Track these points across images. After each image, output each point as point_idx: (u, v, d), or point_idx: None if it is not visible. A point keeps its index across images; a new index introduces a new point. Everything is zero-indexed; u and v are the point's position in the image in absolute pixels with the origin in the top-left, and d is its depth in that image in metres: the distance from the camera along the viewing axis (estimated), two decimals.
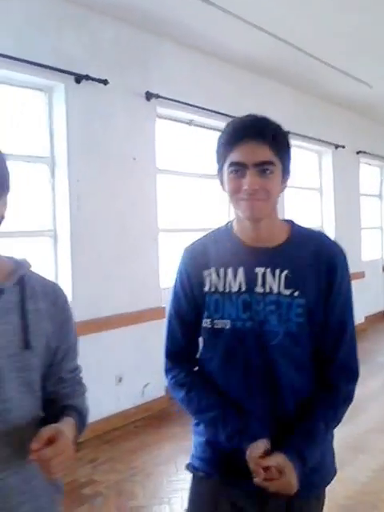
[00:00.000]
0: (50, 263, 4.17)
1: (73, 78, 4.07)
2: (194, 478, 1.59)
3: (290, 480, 1.35)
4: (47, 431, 1.14)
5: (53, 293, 1.33)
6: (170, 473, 3.61)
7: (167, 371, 1.59)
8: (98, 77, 4.19)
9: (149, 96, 4.66)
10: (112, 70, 4.36)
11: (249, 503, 1.51)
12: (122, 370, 4.40)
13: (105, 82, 4.22)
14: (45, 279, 1.36)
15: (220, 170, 1.49)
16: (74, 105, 4.12)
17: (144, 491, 3.40)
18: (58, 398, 1.33)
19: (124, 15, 4.34)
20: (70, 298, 4.15)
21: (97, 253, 4.27)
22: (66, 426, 1.22)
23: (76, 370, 1.40)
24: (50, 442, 1.12)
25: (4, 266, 1.27)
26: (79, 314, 3.84)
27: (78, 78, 4.08)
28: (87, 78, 4.12)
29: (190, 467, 1.60)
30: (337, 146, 7.51)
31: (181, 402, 1.55)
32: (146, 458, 3.85)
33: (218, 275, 1.49)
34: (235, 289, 1.46)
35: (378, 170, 9.31)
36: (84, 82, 4.12)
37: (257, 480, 1.33)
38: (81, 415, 1.32)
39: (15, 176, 1.27)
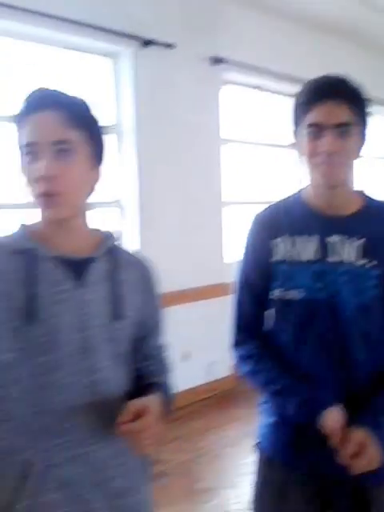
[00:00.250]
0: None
1: (139, 42, 3.90)
2: (261, 459, 1.54)
3: (374, 453, 1.30)
4: (135, 405, 1.11)
5: (142, 265, 1.31)
6: (238, 456, 3.51)
7: (234, 344, 1.54)
8: (164, 41, 4.00)
9: (216, 60, 4.43)
10: (178, 34, 4.15)
11: (319, 487, 1.45)
12: (188, 348, 4.28)
13: (171, 46, 4.03)
14: (132, 252, 1.33)
15: (296, 132, 1.44)
16: (140, 71, 3.96)
17: (210, 473, 3.33)
18: (143, 375, 1.28)
19: None
20: None
21: (163, 226, 4.15)
22: (154, 402, 1.17)
23: (162, 347, 1.37)
24: (138, 416, 1.09)
25: (93, 237, 1.25)
26: None
27: (145, 43, 3.91)
28: (153, 42, 3.94)
29: (257, 448, 1.56)
30: None
31: (248, 375, 1.50)
32: (212, 438, 3.77)
33: (289, 244, 1.44)
34: (307, 258, 1.41)
35: None
36: (150, 47, 3.94)
37: (341, 459, 1.29)
38: (168, 394, 1.28)
39: None
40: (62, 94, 1.18)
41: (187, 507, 2.94)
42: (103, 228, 1.31)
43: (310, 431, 1.35)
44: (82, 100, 1.20)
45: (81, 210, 1.21)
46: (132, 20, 3.87)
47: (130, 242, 4.04)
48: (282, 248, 1.44)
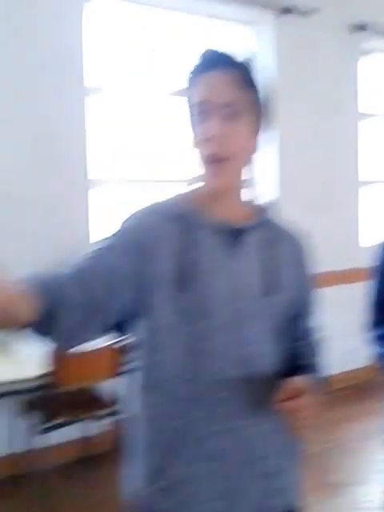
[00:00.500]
0: None
1: (279, 9, 3.77)
2: None
3: None
4: (293, 383, 1.08)
5: (296, 240, 1.26)
6: (371, 451, 3.29)
7: (370, 325, 1.49)
8: (304, 7, 3.82)
9: (356, 28, 4.15)
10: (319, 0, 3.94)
11: None
12: (323, 334, 4.09)
13: (311, 12, 3.84)
14: (288, 226, 1.27)
15: None
16: (279, 39, 3.84)
17: (341, 468, 3.15)
18: (293, 356, 1.23)
19: None
20: None
21: (296, 204, 3.95)
22: (308, 383, 1.12)
23: (314, 328, 1.31)
24: (295, 395, 1.06)
25: (246, 208, 1.21)
26: None
27: (284, 9, 3.77)
28: (292, 9, 3.78)
29: None
30: None
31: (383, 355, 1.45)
32: (346, 431, 3.59)
33: None
34: None
35: None
36: (290, 14, 3.79)
37: None
38: (319, 378, 1.22)
39: None
40: (234, 54, 1.15)
41: (316, 501, 2.80)
42: (257, 200, 1.26)
43: None
44: (251, 62, 1.16)
45: (240, 177, 1.18)
46: None
47: None
48: None
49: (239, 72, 1.12)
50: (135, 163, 3.57)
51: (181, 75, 1.21)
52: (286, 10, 3.78)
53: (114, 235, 1.13)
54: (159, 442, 1.12)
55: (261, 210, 1.23)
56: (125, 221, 1.16)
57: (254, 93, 1.14)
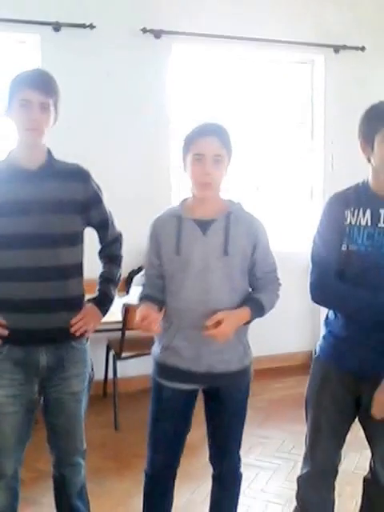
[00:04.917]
0: (306, 220, 4.66)
1: (332, 49, 4.46)
2: None
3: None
4: (219, 315, 1.83)
5: (250, 223, 1.98)
6: None
7: None
8: (355, 45, 4.47)
9: None
10: (371, 36, 4.54)
11: None
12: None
13: (362, 48, 4.47)
14: (248, 215, 2.00)
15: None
16: (331, 74, 4.52)
17: None
18: (253, 288, 1.99)
19: None
20: None
21: None
22: (240, 311, 1.89)
23: (272, 271, 2.01)
24: (217, 324, 1.82)
25: (219, 207, 1.97)
26: None
27: (337, 49, 4.46)
28: (345, 47, 4.45)
29: None
30: None
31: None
32: None
33: (352, 214, 1.93)
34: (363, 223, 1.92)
35: None
36: (342, 52, 4.47)
37: None
38: (259, 305, 1.93)
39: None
40: (219, 126, 1.93)
41: None
42: (230, 199, 2.01)
43: None
44: (227, 131, 1.93)
45: (218, 192, 1.97)
46: (326, 28, 4.45)
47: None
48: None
49: (222, 137, 1.89)
50: None
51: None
52: (343, 47, 4.46)
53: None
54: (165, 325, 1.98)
55: (228, 206, 1.96)
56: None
57: (228, 149, 1.91)
